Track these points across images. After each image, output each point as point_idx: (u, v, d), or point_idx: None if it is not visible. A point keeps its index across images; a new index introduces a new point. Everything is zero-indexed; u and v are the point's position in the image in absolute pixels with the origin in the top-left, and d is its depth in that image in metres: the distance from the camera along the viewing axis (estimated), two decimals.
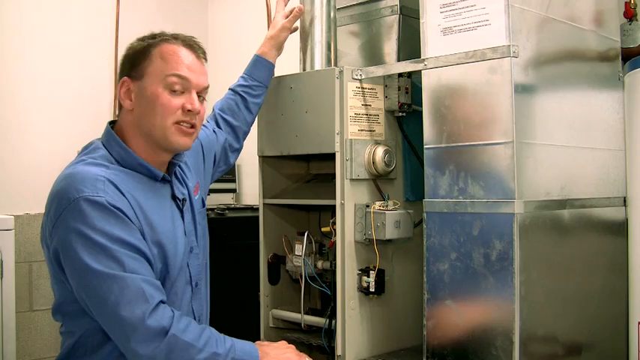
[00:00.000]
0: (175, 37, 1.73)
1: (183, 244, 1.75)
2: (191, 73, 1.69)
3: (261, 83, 2.22)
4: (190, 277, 1.78)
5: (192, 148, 1.99)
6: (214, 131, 2.13)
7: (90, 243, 1.53)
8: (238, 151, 2.24)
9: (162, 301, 1.58)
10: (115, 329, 1.56)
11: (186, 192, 1.84)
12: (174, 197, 1.77)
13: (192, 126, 1.71)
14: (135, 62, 1.71)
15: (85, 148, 1.75)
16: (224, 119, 2.17)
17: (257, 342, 1.74)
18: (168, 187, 1.77)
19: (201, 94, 1.74)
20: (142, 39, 1.74)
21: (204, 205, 1.97)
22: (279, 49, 2.26)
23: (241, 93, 2.19)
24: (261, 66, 2.22)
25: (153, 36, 1.74)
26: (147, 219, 1.64)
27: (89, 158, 1.67)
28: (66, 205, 1.55)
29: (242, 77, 2.22)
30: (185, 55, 1.71)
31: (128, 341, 1.54)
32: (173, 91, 1.67)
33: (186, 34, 1.77)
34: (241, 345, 1.66)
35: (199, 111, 1.71)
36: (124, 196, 1.61)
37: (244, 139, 2.24)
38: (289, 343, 1.83)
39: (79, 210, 1.54)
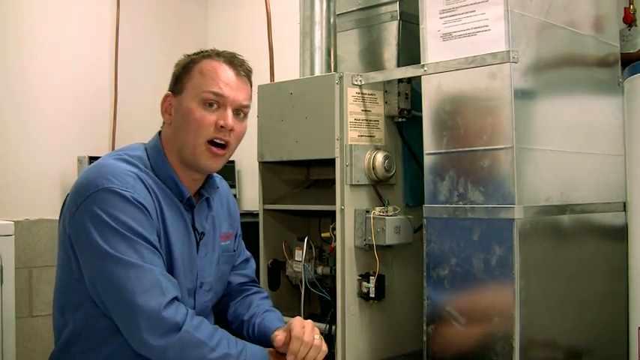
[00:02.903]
0: (218, 54, 1.74)
1: (191, 272, 1.73)
2: (227, 89, 1.68)
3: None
4: (194, 309, 1.75)
5: (234, 219, 1.95)
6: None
7: (111, 230, 1.54)
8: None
9: (176, 298, 1.58)
10: (126, 318, 1.55)
11: (209, 228, 1.81)
12: (193, 227, 1.76)
13: (225, 146, 1.70)
14: (178, 78, 1.72)
15: (125, 147, 1.76)
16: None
17: (267, 349, 1.73)
18: (190, 216, 1.76)
19: (241, 111, 1.72)
20: (189, 55, 1.75)
21: (234, 252, 1.93)
22: None
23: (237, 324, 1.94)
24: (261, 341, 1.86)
25: (198, 52, 1.75)
26: (164, 227, 1.65)
27: (125, 154, 1.69)
28: (93, 191, 1.56)
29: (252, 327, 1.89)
30: (224, 71, 1.70)
31: (140, 331, 1.52)
32: (209, 106, 1.67)
33: (231, 51, 1.77)
34: (252, 348, 1.66)
35: (232, 127, 1.68)
36: (150, 196, 1.62)
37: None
38: None
39: (105, 198, 1.55)
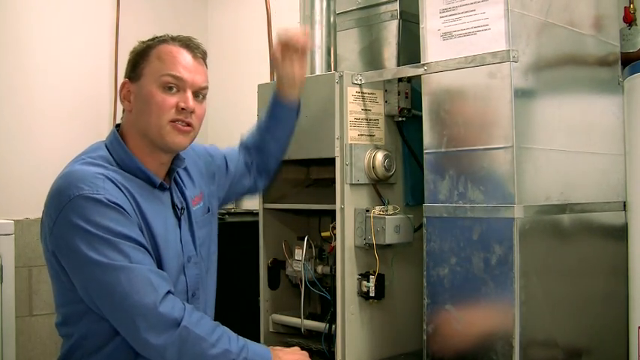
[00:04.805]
0: (173, 39, 1.75)
1: (177, 251, 1.73)
2: (186, 73, 1.70)
3: (279, 122, 2.14)
4: (187, 286, 1.76)
5: (199, 157, 1.98)
6: (228, 155, 2.13)
7: (92, 238, 1.53)
8: (254, 189, 2.22)
9: (170, 292, 1.58)
10: (124, 321, 1.55)
11: (184, 201, 1.83)
12: (173, 205, 1.77)
13: (188, 124, 1.71)
14: (135, 64, 1.73)
15: (87, 149, 1.76)
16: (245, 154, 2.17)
17: (270, 347, 1.74)
18: (168, 194, 1.76)
19: (200, 93, 1.74)
20: (143, 41, 1.76)
21: (209, 211, 1.95)
22: (289, 84, 2.09)
23: (260, 129, 2.17)
24: (277, 107, 2.12)
25: (153, 38, 1.76)
26: (144, 218, 1.65)
27: (88, 158, 1.69)
28: (65, 202, 1.55)
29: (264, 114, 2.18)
30: (181, 55, 1.72)
31: (138, 331, 1.53)
32: (168, 90, 1.68)
33: (186, 35, 1.78)
34: (254, 346, 1.65)
35: (193, 109, 1.70)
36: (122, 192, 1.62)
37: (265, 178, 2.21)
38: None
39: (79, 207, 1.54)
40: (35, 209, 3.23)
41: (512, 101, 1.76)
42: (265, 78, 3.23)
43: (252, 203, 3.47)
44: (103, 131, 3.46)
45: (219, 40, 3.86)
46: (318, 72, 2.30)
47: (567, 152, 1.96)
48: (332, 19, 2.35)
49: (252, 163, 2.15)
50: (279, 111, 2.11)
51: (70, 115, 3.39)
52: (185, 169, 1.90)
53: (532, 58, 1.84)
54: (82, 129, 3.36)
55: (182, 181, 1.86)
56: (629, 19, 2.30)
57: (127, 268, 1.53)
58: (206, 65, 1.80)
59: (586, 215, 2.01)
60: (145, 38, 1.78)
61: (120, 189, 1.62)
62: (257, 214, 2.43)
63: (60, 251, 1.58)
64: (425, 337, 1.92)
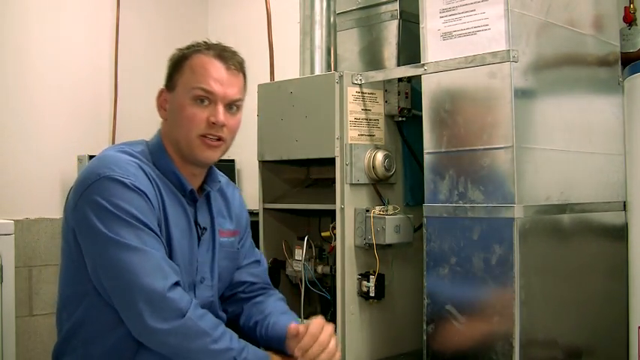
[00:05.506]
0: (208, 48, 1.72)
1: (190, 267, 1.72)
2: (217, 86, 1.67)
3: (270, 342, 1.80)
4: None
5: (240, 218, 1.90)
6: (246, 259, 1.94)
7: (112, 216, 1.54)
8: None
9: (178, 283, 1.58)
10: (129, 302, 1.53)
11: (210, 224, 1.78)
12: (196, 222, 1.75)
13: (219, 139, 1.69)
14: (171, 73, 1.72)
15: (127, 142, 1.76)
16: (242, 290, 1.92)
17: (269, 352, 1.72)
18: (193, 211, 1.75)
19: (233, 105, 1.70)
20: (180, 49, 1.74)
21: (237, 249, 1.87)
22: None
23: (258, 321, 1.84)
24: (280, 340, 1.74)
25: (189, 46, 1.73)
26: (165, 218, 1.65)
27: (126, 147, 1.70)
28: (94, 179, 1.57)
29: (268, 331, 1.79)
30: (214, 67, 1.68)
31: (142, 315, 1.51)
32: (200, 102, 1.66)
33: (222, 45, 1.75)
34: (253, 349, 1.65)
35: (224, 123, 1.67)
36: (151, 185, 1.63)
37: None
38: None
39: (105, 187, 1.56)
40: (35, 209, 3.25)
41: (512, 101, 1.76)
42: (265, 78, 3.23)
43: (252, 203, 3.47)
44: (103, 131, 3.48)
45: (219, 41, 3.85)
46: (318, 72, 2.31)
47: (567, 152, 1.96)
48: (332, 19, 2.35)
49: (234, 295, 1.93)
50: (277, 342, 1.77)
51: (70, 115, 3.39)
52: (227, 204, 1.87)
53: (532, 58, 1.84)
54: (82, 129, 3.35)
55: (215, 207, 1.82)
56: (629, 19, 2.31)
57: (142, 250, 1.54)
58: (244, 74, 1.76)
59: (586, 215, 2.01)
60: (184, 45, 1.74)
61: (150, 181, 1.63)
62: (257, 213, 2.43)
63: (79, 227, 1.60)
64: (425, 337, 1.92)
